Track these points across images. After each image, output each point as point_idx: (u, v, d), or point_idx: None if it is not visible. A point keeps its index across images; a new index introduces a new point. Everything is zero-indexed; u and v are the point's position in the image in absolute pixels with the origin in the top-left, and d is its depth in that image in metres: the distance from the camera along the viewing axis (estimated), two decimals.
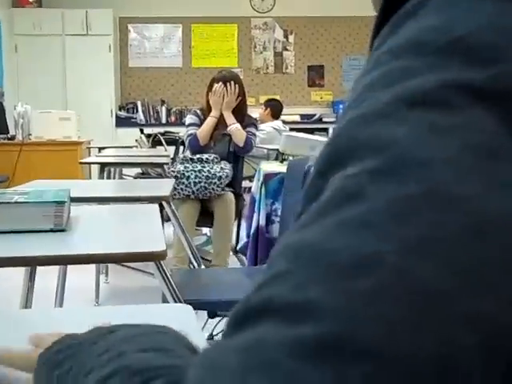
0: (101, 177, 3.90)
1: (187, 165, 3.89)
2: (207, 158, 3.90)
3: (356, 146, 0.31)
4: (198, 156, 3.92)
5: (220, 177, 3.82)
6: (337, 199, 0.30)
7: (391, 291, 0.27)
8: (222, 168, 3.87)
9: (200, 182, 3.81)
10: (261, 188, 3.03)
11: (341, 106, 9.23)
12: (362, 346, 0.26)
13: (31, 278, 1.38)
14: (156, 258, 1.21)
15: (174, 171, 3.86)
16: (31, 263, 1.27)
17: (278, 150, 3.76)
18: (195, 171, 3.83)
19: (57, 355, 0.57)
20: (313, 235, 0.30)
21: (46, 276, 2.65)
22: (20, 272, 2.02)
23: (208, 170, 3.83)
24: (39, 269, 2.17)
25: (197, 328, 0.82)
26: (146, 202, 2.06)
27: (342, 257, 0.28)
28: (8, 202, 1.41)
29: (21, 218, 1.40)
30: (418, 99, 0.31)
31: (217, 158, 3.93)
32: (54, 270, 3.11)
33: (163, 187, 2.37)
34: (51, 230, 1.41)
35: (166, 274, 1.33)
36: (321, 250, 0.29)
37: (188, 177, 3.82)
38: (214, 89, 4.03)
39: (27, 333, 0.80)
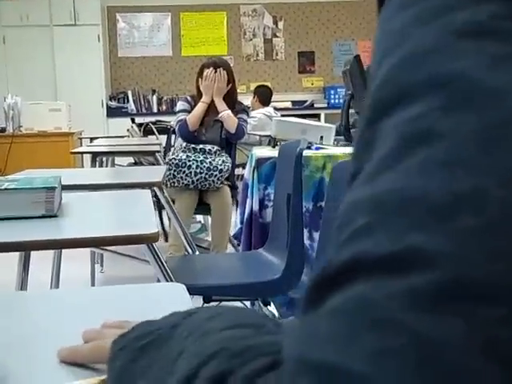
0: (93, 167, 3.88)
1: (189, 154, 3.87)
2: (210, 150, 3.89)
3: (411, 87, 0.29)
4: (201, 146, 3.91)
5: (221, 170, 3.82)
6: (407, 143, 0.28)
7: (504, 225, 0.25)
8: (223, 161, 3.86)
9: (201, 173, 3.80)
10: (253, 173, 3.02)
11: (332, 92, 9.22)
12: (488, 287, 0.24)
13: (25, 264, 1.37)
14: (147, 240, 1.20)
15: (175, 159, 3.83)
16: (23, 248, 1.26)
17: (270, 136, 3.76)
18: (197, 161, 3.82)
19: (136, 342, 0.53)
20: (391, 183, 0.28)
21: (40, 267, 2.64)
22: (14, 264, 2.02)
23: (210, 162, 3.82)
24: (33, 260, 2.16)
25: (191, 307, 0.82)
26: (139, 189, 2.05)
27: (436, 198, 0.26)
28: None
29: (11, 205, 1.39)
30: (471, 31, 0.29)
31: (219, 150, 3.92)
32: (48, 260, 3.10)
33: (155, 174, 2.36)
34: (43, 216, 1.41)
35: (158, 256, 1.32)
36: (408, 195, 0.27)
37: (189, 166, 3.80)
38: (204, 74, 4.01)
39: (24, 312, 0.80)
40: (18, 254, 2.00)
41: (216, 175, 3.81)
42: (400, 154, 0.28)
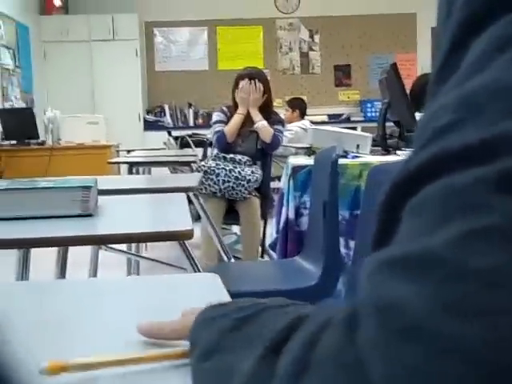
0: None
1: (219, 162, 3.88)
2: (240, 160, 3.89)
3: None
4: (231, 155, 3.91)
5: (249, 180, 3.81)
6: (501, 45, 0.27)
7: None
8: (252, 172, 3.86)
9: (229, 182, 3.80)
10: (289, 181, 3.01)
11: (368, 105, 9.18)
12: None
13: (63, 259, 1.37)
14: (182, 237, 1.20)
15: (204, 166, 3.85)
16: (58, 243, 1.26)
17: (306, 148, 3.74)
18: (226, 170, 3.82)
19: (238, 312, 0.49)
20: (482, 80, 0.26)
21: (75, 273, 2.66)
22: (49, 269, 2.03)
23: (239, 171, 3.82)
24: (69, 267, 2.17)
25: (227, 295, 0.81)
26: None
27: None
28: (35, 188, 1.41)
29: (47, 204, 1.40)
30: None
31: (249, 161, 3.92)
32: (84, 267, 3.12)
33: (190, 180, 2.37)
34: (78, 215, 1.41)
35: (190, 254, 1.31)
36: (502, 85, 0.25)
37: (218, 174, 3.81)
38: (240, 86, 4.02)
39: (63, 300, 0.79)
40: (54, 259, 2.02)
41: (244, 185, 3.80)
42: (493, 55, 0.27)
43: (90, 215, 1.41)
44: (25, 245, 1.20)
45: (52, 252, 2.01)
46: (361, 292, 0.26)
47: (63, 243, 1.30)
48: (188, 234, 1.17)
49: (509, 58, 0.26)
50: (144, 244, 4.48)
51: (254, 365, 0.35)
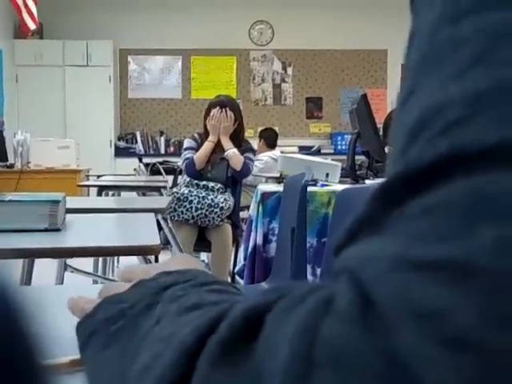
0: None
1: (192, 189, 3.88)
2: (213, 187, 3.90)
3: None
4: (204, 183, 3.92)
5: (222, 207, 3.82)
6: (497, 39, 0.25)
7: None
8: (225, 199, 3.87)
9: (202, 209, 3.80)
10: (258, 207, 3.02)
11: (339, 138, 9.28)
12: None
13: (28, 274, 1.36)
14: (149, 251, 1.20)
15: (177, 192, 3.85)
16: (25, 255, 1.26)
17: (276, 177, 3.76)
18: (199, 197, 3.82)
19: (107, 326, 0.45)
20: (487, 77, 0.24)
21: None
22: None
23: (212, 199, 3.83)
24: (34, 284, 2.14)
25: None
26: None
27: None
28: (2, 201, 1.41)
29: (14, 217, 1.40)
30: None
31: (222, 188, 3.93)
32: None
33: (159, 202, 2.37)
34: (46, 230, 1.41)
35: None
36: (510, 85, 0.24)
37: (191, 201, 3.81)
38: (211, 114, 4.04)
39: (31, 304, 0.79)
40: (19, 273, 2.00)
41: (216, 212, 3.80)
42: (493, 49, 0.25)
43: (57, 230, 1.41)
44: None
45: (16, 268, 1.99)
46: (376, 284, 0.24)
47: (29, 255, 1.29)
48: (156, 249, 1.18)
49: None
50: (110, 269, 4.44)
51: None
